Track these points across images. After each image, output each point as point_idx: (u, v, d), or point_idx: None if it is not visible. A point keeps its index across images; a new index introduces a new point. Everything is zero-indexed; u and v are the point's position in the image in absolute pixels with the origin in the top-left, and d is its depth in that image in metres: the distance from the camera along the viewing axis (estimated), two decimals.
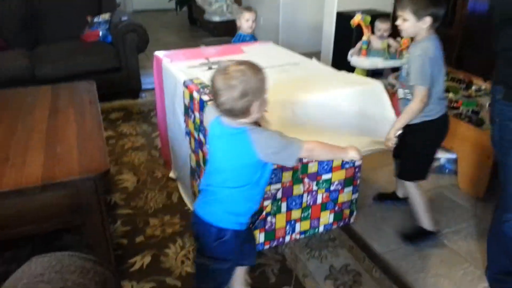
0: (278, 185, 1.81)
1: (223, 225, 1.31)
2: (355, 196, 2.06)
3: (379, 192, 2.34)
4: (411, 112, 1.74)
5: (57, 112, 2.08)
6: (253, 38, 2.82)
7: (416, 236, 1.99)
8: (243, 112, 1.21)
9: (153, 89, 2.68)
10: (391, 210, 2.24)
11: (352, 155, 1.33)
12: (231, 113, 1.22)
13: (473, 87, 2.88)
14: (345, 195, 2.02)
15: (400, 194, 2.25)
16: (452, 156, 2.55)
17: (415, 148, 1.89)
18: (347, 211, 2.07)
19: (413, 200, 1.97)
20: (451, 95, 2.75)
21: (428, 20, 1.68)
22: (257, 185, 1.31)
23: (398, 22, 1.76)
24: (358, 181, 2.04)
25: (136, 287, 1.71)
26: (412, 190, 1.94)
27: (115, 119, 3.34)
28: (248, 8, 2.83)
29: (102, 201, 1.65)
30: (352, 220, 2.11)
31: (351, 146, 1.34)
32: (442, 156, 2.59)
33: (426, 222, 1.97)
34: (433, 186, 2.47)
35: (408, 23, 1.72)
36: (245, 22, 2.75)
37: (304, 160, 1.81)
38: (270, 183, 1.79)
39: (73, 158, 1.63)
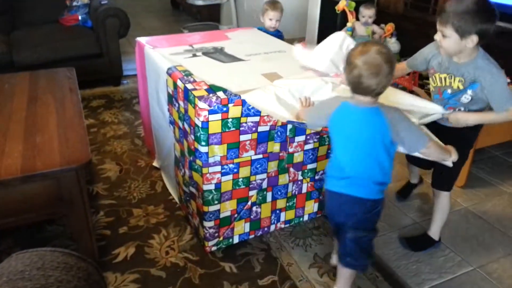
0: (264, 175, 1.81)
1: (374, 196, 1.43)
2: None
3: (397, 191, 2.29)
4: (494, 121, 1.60)
5: (36, 99, 2.02)
6: (278, 34, 2.61)
7: (422, 244, 1.92)
8: (381, 92, 1.30)
9: (135, 75, 2.63)
10: None
11: (454, 157, 1.46)
12: (374, 92, 1.28)
13: None
14: None
15: (415, 180, 2.25)
16: None
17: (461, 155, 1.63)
18: None
19: (441, 209, 1.86)
20: None
21: (474, 39, 1.45)
22: (391, 159, 1.41)
23: (437, 37, 1.54)
24: None
25: (120, 278, 1.70)
26: (447, 200, 1.85)
27: (97, 106, 3.27)
28: (274, 5, 2.56)
29: (85, 192, 1.62)
30: None
31: (451, 147, 1.47)
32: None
33: (438, 231, 1.90)
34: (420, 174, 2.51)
35: (449, 40, 1.49)
36: (268, 21, 2.58)
37: (291, 150, 1.81)
38: (256, 173, 1.78)
39: (53, 148, 1.59)
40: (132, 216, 2.06)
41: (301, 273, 1.76)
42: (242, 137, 1.67)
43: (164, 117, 2.09)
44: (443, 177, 1.83)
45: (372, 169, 1.39)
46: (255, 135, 1.69)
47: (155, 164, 2.47)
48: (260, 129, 1.69)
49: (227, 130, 1.63)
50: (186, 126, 1.75)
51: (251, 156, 1.74)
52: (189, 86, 1.68)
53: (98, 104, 3.31)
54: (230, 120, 1.61)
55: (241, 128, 1.65)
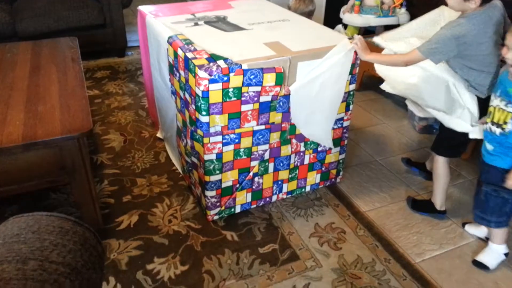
0: (266, 146, 1.80)
1: None
2: (342, 156, 2.07)
3: (408, 158, 2.28)
4: (387, 62, 1.73)
5: (38, 69, 2.02)
6: None
7: (424, 207, 1.95)
8: None
9: (139, 46, 2.60)
10: (378, 171, 2.26)
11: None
12: None
13: None
14: (332, 156, 2.02)
15: (428, 166, 2.19)
16: None
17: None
18: (333, 171, 2.08)
19: (437, 175, 1.88)
20: None
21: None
22: None
23: None
24: (346, 142, 2.04)
25: (123, 245, 1.73)
26: (440, 165, 1.85)
27: (101, 78, 3.26)
28: None
29: (87, 161, 1.64)
30: (338, 180, 2.13)
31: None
32: (430, 116, 2.58)
33: (438, 200, 1.91)
34: (420, 146, 2.48)
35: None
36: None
37: (292, 121, 1.79)
38: (258, 144, 1.78)
39: (55, 117, 1.60)
40: (135, 185, 2.08)
41: (301, 242, 1.77)
42: (244, 107, 1.66)
43: (166, 88, 2.08)
44: (439, 143, 1.85)
45: None
46: (256, 105, 1.68)
47: (158, 135, 2.48)
48: (262, 99, 1.67)
49: (228, 100, 1.61)
50: (187, 96, 1.74)
51: (252, 126, 1.72)
52: (190, 55, 1.65)
53: (103, 75, 3.29)
54: (231, 89, 1.59)
55: (242, 98, 1.63)
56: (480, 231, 1.83)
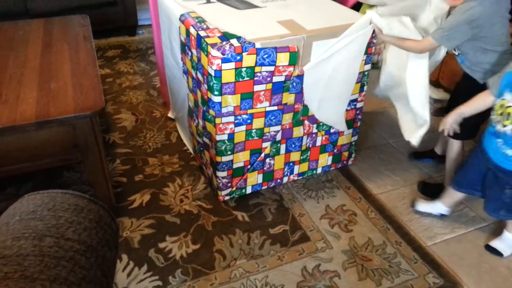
0: (278, 127, 1.78)
1: None
2: (355, 138, 2.04)
3: (414, 151, 2.18)
4: (404, 47, 1.63)
5: (50, 47, 2.01)
6: None
7: (435, 193, 1.89)
8: None
9: (150, 25, 2.57)
10: (390, 153, 2.23)
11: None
12: None
13: None
14: (345, 138, 2.00)
15: (439, 151, 2.14)
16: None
17: None
18: (345, 153, 2.06)
19: (452, 159, 1.85)
20: None
21: None
22: None
23: None
24: (359, 123, 2.01)
25: (135, 223, 1.75)
26: (456, 149, 1.83)
27: (112, 56, 3.24)
28: None
29: (100, 139, 1.64)
30: (350, 162, 2.11)
31: None
32: (445, 97, 2.53)
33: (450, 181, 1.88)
34: (435, 128, 2.44)
35: None
36: None
37: (305, 102, 1.77)
38: (270, 125, 1.76)
39: (67, 95, 1.60)
40: (147, 164, 2.09)
41: (312, 223, 1.77)
42: (256, 87, 1.64)
43: (178, 67, 2.06)
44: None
45: None
46: (269, 86, 1.65)
47: (170, 115, 2.47)
48: (275, 79, 1.65)
49: (240, 80, 1.59)
50: (199, 75, 1.72)
51: (265, 107, 1.71)
52: (202, 33, 1.63)
53: (114, 54, 3.28)
54: (244, 69, 1.57)
55: (255, 78, 1.61)
56: (432, 207, 1.81)
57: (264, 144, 1.80)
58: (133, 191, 1.92)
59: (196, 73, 1.76)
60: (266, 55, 1.56)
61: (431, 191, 1.94)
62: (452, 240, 1.72)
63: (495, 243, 1.68)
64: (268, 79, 1.63)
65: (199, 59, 1.67)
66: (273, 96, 1.69)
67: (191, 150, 2.17)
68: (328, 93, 1.76)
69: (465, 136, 1.80)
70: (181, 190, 1.93)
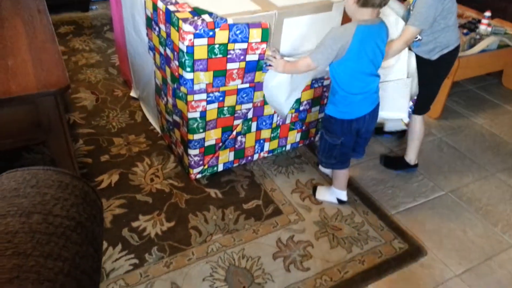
0: (249, 105, 1.79)
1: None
2: (321, 115, 2.10)
3: (376, 127, 2.00)
4: (394, 52, 1.70)
5: (2, 21, 1.87)
6: None
7: (397, 164, 2.04)
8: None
9: (105, 0, 2.45)
10: None
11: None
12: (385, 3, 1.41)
13: None
14: (312, 115, 2.05)
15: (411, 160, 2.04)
16: None
17: (434, 80, 1.83)
18: (313, 130, 2.12)
19: (415, 133, 1.94)
20: None
21: None
22: None
23: None
24: (325, 101, 2.06)
25: (106, 203, 1.70)
26: (419, 124, 1.91)
27: (65, 33, 3.07)
28: None
29: (64, 118, 1.57)
30: (317, 138, 2.17)
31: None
32: None
33: (413, 156, 2.00)
34: None
35: None
36: None
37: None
38: (241, 103, 1.76)
39: (28, 72, 1.50)
40: (113, 145, 2.03)
41: (283, 198, 1.82)
42: (230, 65, 1.62)
43: (142, 43, 1.99)
44: (418, 102, 1.91)
45: (378, 75, 1.58)
46: (243, 64, 1.65)
47: (132, 94, 2.40)
48: (248, 58, 1.64)
49: (213, 57, 1.57)
50: (168, 51, 1.68)
51: (237, 85, 1.70)
52: (172, 7, 1.59)
53: (67, 31, 3.10)
54: (216, 46, 1.55)
55: (228, 56, 1.59)
56: (330, 195, 1.83)
57: (236, 122, 1.81)
58: (99, 172, 1.87)
59: (164, 49, 1.72)
60: (238, 31, 1.56)
61: (393, 163, 2.05)
62: (414, 208, 1.84)
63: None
64: (242, 57, 1.62)
65: (168, 35, 1.63)
66: (246, 75, 1.69)
67: (158, 129, 2.13)
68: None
69: (425, 111, 1.91)
70: (151, 170, 1.90)
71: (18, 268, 0.69)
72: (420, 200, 1.89)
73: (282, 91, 1.75)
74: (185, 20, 1.50)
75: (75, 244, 0.79)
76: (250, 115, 1.82)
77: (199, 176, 1.87)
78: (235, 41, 1.57)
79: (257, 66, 1.68)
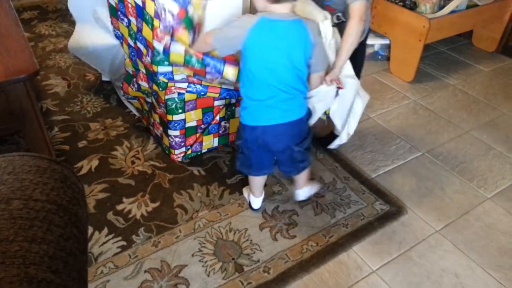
0: (231, 87, 1.77)
1: (306, 110, 1.43)
2: None
3: (319, 138, 1.89)
4: (356, 36, 1.44)
5: None
6: None
7: (331, 141, 1.79)
8: None
9: None
10: None
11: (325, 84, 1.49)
12: None
13: None
14: None
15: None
16: (385, 41, 2.63)
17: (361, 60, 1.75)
18: None
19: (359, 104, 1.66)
20: None
21: None
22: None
23: None
24: None
25: (87, 189, 1.69)
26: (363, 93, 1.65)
27: (29, 19, 2.95)
28: None
29: (36, 105, 1.53)
30: None
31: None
32: (376, 42, 2.67)
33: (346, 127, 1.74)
34: (367, 73, 2.59)
35: None
36: None
37: None
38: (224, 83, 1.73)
39: None
40: (89, 130, 2.00)
41: None
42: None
43: (106, 29, 1.92)
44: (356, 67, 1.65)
45: (297, 84, 1.34)
46: None
47: (104, 78, 2.34)
48: None
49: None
50: (140, 46, 1.62)
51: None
52: (140, 1, 1.51)
53: (31, 16, 2.98)
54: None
55: None
56: (309, 190, 1.70)
57: (217, 103, 1.78)
58: (78, 158, 1.84)
59: (134, 42, 1.66)
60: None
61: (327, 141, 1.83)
62: (393, 170, 1.89)
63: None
64: None
65: (139, 30, 1.57)
66: None
67: (134, 112, 2.10)
68: None
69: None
70: (131, 152, 1.89)
71: (2, 254, 0.68)
72: (398, 162, 1.93)
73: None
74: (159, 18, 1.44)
75: (58, 227, 0.78)
76: (233, 100, 1.80)
77: (181, 158, 1.86)
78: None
79: None
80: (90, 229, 1.53)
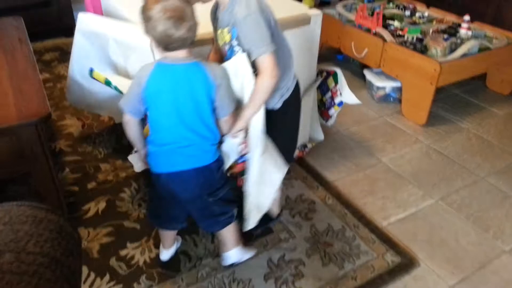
0: None
1: (214, 157, 1.33)
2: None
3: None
4: (264, 94, 1.27)
5: None
6: None
7: (263, 223, 1.64)
8: (194, 39, 1.21)
9: None
10: (341, 141, 2.32)
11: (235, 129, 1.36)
12: (188, 41, 1.20)
13: (417, 14, 2.94)
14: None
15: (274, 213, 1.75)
16: (396, 84, 2.63)
17: (289, 133, 1.55)
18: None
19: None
20: (396, 23, 2.78)
21: None
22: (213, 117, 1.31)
23: None
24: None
25: (93, 233, 1.68)
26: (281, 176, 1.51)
27: (50, 60, 3.07)
28: None
29: (47, 148, 1.56)
30: (305, 153, 2.17)
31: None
32: (387, 85, 2.67)
33: (276, 208, 1.74)
34: (379, 115, 2.57)
35: None
36: None
37: None
38: None
39: (8, 103, 1.50)
40: (100, 171, 2.01)
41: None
42: None
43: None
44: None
45: (201, 129, 1.28)
46: None
47: (117, 121, 2.39)
48: None
49: None
50: None
51: None
52: None
53: (51, 57, 3.11)
54: None
55: None
56: (243, 254, 1.58)
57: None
58: (87, 200, 1.84)
59: None
60: None
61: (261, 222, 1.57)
62: (405, 218, 1.83)
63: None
64: None
65: None
66: None
67: None
68: None
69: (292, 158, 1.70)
70: (138, 195, 1.88)
71: None
72: (410, 209, 1.87)
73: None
74: None
75: (48, 282, 0.77)
76: None
77: None
78: None
79: None
80: (92, 276, 1.51)
